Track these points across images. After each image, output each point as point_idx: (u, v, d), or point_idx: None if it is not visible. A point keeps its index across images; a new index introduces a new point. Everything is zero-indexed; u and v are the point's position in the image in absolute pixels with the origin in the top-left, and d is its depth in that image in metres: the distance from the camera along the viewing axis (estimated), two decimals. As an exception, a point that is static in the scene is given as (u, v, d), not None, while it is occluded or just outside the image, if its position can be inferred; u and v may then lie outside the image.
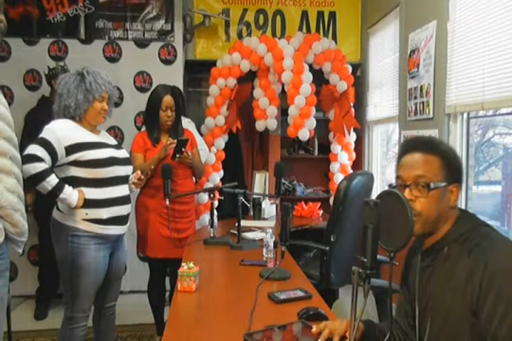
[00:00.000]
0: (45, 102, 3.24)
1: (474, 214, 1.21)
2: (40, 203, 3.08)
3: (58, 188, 1.89)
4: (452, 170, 1.16)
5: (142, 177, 2.28)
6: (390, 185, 1.20)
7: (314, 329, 1.25)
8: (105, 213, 2.02)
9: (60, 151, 1.92)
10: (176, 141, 2.47)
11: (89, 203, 1.98)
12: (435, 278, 1.16)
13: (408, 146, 1.21)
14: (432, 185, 1.13)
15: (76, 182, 1.97)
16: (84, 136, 2.02)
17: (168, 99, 2.53)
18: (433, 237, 1.18)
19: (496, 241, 1.10)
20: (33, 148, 1.87)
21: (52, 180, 1.88)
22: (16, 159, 1.47)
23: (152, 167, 2.44)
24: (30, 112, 3.27)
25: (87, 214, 1.98)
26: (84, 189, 1.98)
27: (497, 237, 1.12)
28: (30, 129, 2.94)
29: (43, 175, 1.85)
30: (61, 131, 1.95)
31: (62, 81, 2.01)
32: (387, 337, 1.20)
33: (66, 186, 1.92)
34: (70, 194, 1.92)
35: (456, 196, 1.17)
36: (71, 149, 1.94)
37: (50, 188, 1.88)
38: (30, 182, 1.85)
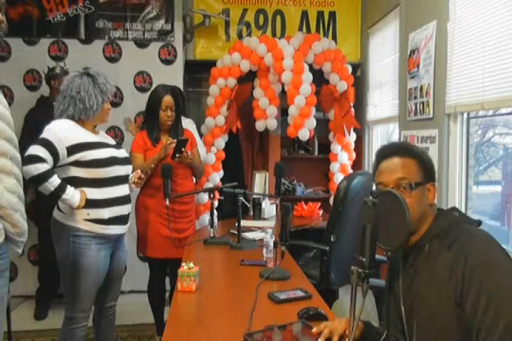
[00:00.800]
0: (44, 102, 3.24)
1: (451, 210, 1.26)
2: (40, 203, 3.08)
3: (60, 189, 1.89)
4: (427, 169, 1.23)
5: (142, 176, 2.29)
6: (371, 193, 1.22)
7: (315, 329, 1.25)
8: (107, 213, 2.02)
9: (62, 152, 1.92)
10: (175, 140, 2.48)
11: (90, 203, 1.98)
12: (419, 277, 1.18)
13: (384, 153, 1.27)
14: (413, 185, 1.19)
15: (77, 182, 1.97)
16: (85, 136, 2.02)
17: (168, 99, 2.53)
18: (414, 236, 1.20)
19: (474, 235, 1.13)
20: (35, 148, 1.86)
21: (55, 180, 1.88)
22: (16, 159, 1.47)
23: (152, 166, 2.44)
24: (29, 112, 3.27)
25: (88, 214, 1.98)
26: (85, 189, 1.98)
27: (476, 232, 1.15)
28: (30, 129, 2.94)
29: (45, 176, 1.85)
30: (62, 132, 1.95)
31: (75, 83, 1.99)
32: (383, 336, 1.21)
33: (68, 187, 1.92)
34: (73, 194, 1.92)
35: (434, 194, 1.23)
36: (72, 149, 1.94)
37: (52, 189, 1.87)
38: (33, 183, 1.85)
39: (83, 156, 1.96)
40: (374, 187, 1.29)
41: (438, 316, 1.11)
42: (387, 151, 1.27)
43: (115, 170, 2.06)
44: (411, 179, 1.19)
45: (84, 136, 2.01)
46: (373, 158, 4.01)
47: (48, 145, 1.88)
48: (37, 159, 1.83)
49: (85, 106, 1.99)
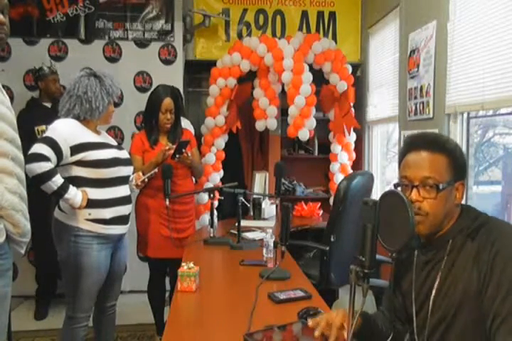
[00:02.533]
0: (34, 103, 3.23)
1: (473, 207, 1.20)
2: (33, 203, 3.06)
3: (63, 188, 1.89)
4: (458, 167, 1.15)
5: (146, 180, 2.30)
6: (395, 185, 1.19)
7: (311, 323, 1.19)
8: (108, 213, 2.03)
9: (66, 151, 1.92)
10: (173, 146, 2.48)
11: (92, 203, 1.98)
12: (438, 271, 1.15)
13: (414, 144, 1.18)
14: (440, 186, 1.11)
15: (79, 182, 1.97)
16: (89, 136, 2.03)
17: (168, 102, 2.52)
18: (439, 233, 1.17)
19: (500, 222, 1.11)
20: (39, 147, 1.86)
21: (58, 179, 1.88)
22: (19, 160, 1.46)
23: (156, 170, 2.43)
24: (20, 114, 3.24)
25: (90, 214, 1.99)
26: (87, 189, 1.98)
27: (500, 221, 1.13)
28: (20, 130, 2.92)
29: (49, 175, 1.85)
30: (67, 131, 1.96)
31: (82, 83, 2.01)
32: (389, 338, 1.20)
33: (71, 186, 1.92)
34: (75, 194, 1.93)
35: (462, 193, 1.16)
36: (76, 149, 1.95)
37: (55, 188, 1.88)
38: (36, 182, 1.86)
39: (86, 156, 1.96)
40: (398, 179, 1.21)
41: (459, 311, 1.08)
42: (417, 142, 1.18)
43: (117, 170, 2.06)
44: (438, 179, 1.12)
45: (88, 136, 2.02)
46: (373, 158, 3.99)
47: (53, 143, 1.89)
48: (41, 157, 1.84)
49: (91, 106, 2.00)
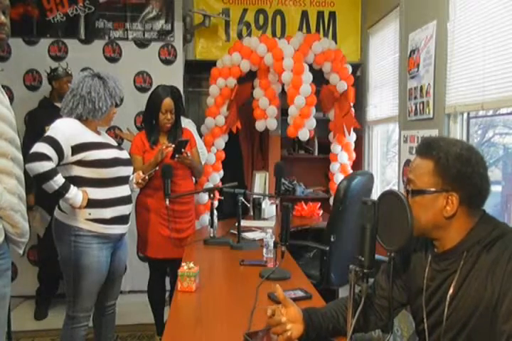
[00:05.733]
0: (46, 103, 3.24)
1: (492, 217, 1.15)
2: (41, 202, 3.08)
3: (64, 188, 1.89)
4: (447, 177, 1.08)
5: (147, 177, 2.30)
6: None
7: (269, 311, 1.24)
8: (109, 213, 2.03)
9: (67, 150, 1.92)
10: (171, 145, 2.48)
11: (92, 203, 1.99)
12: (451, 281, 1.12)
13: (416, 149, 1.21)
14: (410, 192, 1.12)
15: (79, 181, 1.98)
16: (90, 136, 2.04)
17: (168, 102, 2.52)
18: (444, 244, 1.14)
19: None
20: (41, 146, 1.86)
21: (59, 179, 1.88)
22: (18, 160, 1.46)
23: (157, 168, 2.44)
24: (31, 113, 3.26)
25: (90, 214, 1.99)
26: (87, 189, 1.98)
27: None
28: (32, 130, 2.94)
29: (50, 174, 1.85)
30: (68, 131, 1.96)
31: (86, 83, 2.01)
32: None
33: (71, 186, 1.93)
34: (76, 194, 1.93)
35: (454, 206, 1.08)
36: (77, 149, 1.95)
37: (56, 187, 1.88)
38: (37, 181, 1.86)
39: (87, 156, 1.97)
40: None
41: (471, 322, 1.07)
42: (417, 148, 1.20)
43: (118, 170, 2.07)
44: (417, 184, 1.12)
45: (89, 135, 2.03)
46: (373, 158, 3.99)
47: (54, 143, 1.88)
48: (43, 157, 1.84)
49: (94, 107, 2.00)
